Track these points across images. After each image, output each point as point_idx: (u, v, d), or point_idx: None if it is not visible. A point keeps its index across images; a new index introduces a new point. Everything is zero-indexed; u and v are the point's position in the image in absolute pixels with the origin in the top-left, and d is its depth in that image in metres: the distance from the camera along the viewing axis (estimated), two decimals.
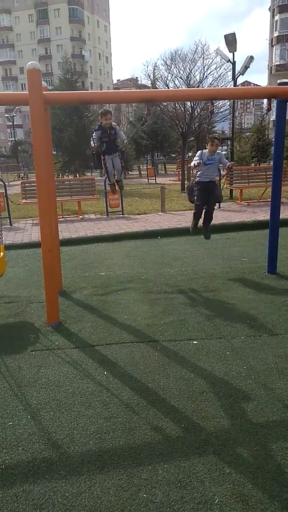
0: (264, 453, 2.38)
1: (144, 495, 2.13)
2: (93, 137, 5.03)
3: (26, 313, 4.65)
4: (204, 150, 5.69)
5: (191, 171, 23.00)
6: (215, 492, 2.12)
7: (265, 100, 4.57)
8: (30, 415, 2.82)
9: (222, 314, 4.39)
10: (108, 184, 5.75)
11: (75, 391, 3.08)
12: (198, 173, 5.76)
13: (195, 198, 5.87)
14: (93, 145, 5.00)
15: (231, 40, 12.74)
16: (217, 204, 11.60)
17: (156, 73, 23.91)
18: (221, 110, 22.02)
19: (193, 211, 6.08)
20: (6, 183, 11.74)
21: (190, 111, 17.71)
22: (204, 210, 5.94)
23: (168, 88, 18.85)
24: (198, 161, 5.52)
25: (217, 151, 5.66)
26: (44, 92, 4.17)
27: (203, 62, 18.84)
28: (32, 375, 3.33)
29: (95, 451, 2.46)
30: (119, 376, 3.26)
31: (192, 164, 5.70)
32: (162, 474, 2.27)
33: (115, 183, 5.60)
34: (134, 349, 3.71)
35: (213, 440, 2.51)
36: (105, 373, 3.32)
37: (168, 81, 19.44)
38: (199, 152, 5.75)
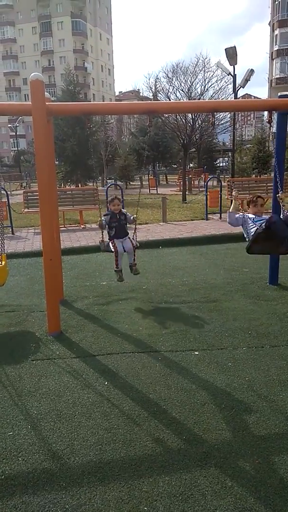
0: (266, 467, 2.36)
1: (145, 508, 2.10)
2: (102, 220, 5.03)
3: (27, 322, 4.64)
4: (244, 215, 4.49)
5: (192, 182, 23.18)
6: (217, 506, 2.10)
7: (265, 113, 4.62)
8: (30, 425, 2.80)
9: (223, 324, 4.38)
10: (115, 270, 5.15)
11: (75, 401, 3.06)
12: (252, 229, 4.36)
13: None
14: (101, 223, 5.00)
15: (231, 54, 12.94)
16: (219, 215, 11.64)
17: (158, 85, 24.26)
18: (222, 122, 22.24)
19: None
20: (9, 192, 11.79)
21: (191, 123, 17.90)
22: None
23: (170, 100, 19.06)
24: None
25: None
26: (47, 103, 4.22)
27: (204, 75, 19.12)
28: (33, 385, 3.31)
29: (96, 462, 2.44)
30: (120, 387, 3.24)
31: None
32: (163, 486, 2.24)
33: (130, 267, 5.18)
34: (135, 359, 3.69)
35: (215, 452, 2.49)
36: (106, 383, 3.30)
37: (169, 93, 19.71)
38: (239, 216, 4.54)
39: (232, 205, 4.68)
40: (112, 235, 5.08)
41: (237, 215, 4.55)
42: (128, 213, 5.22)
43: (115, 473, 2.35)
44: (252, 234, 4.27)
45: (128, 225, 5.21)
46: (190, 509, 2.08)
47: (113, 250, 5.01)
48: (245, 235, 4.55)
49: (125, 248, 5.07)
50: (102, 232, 5.14)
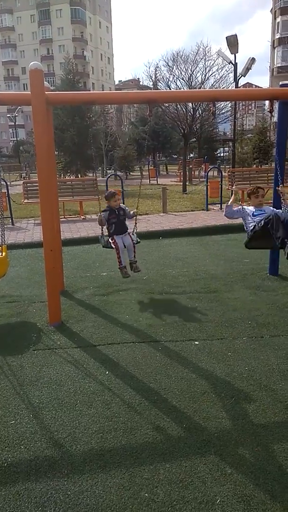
0: (265, 454, 2.39)
1: (146, 495, 2.13)
2: (102, 216, 4.92)
3: (28, 312, 4.66)
4: (244, 207, 4.57)
5: (193, 172, 23.07)
6: (217, 492, 2.13)
7: (267, 102, 4.57)
8: (32, 414, 2.83)
9: (223, 315, 4.39)
10: (119, 267, 4.99)
11: (76, 390, 3.09)
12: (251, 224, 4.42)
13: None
14: (101, 219, 4.89)
15: (232, 42, 12.78)
16: (219, 205, 11.62)
17: (158, 74, 24.01)
18: (223, 111, 22.05)
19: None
20: (8, 183, 11.75)
21: (192, 113, 17.75)
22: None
23: (170, 89, 18.89)
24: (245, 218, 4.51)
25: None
26: (46, 92, 4.18)
27: (204, 63, 18.92)
28: (34, 374, 3.33)
29: (97, 450, 2.47)
30: (120, 376, 3.27)
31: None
32: (163, 473, 2.27)
33: (130, 265, 5.06)
34: (136, 349, 3.72)
35: (214, 440, 2.52)
36: (107, 372, 3.33)
37: (169, 82, 19.52)
38: (237, 209, 4.62)
39: (232, 198, 4.71)
40: (112, 232, 5.00)
41: (235, 208, 4.59)
42: (127, 208, 5.14)
43: (116, 461, 2.38)
44: (251, 229, 4.32)
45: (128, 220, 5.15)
46: (190, 495, 2.12)
47: (113, 247, 4.92)
48: (245, 228, 4.55)
49: (125, 244, 4.96)
50: (102, 228, 5.09)
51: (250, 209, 4.51)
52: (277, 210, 4.55)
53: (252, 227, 4.29)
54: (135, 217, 5.12)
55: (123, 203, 5.75)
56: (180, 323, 4.23)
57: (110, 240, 4.98)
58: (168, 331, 4.06)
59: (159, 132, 31.23)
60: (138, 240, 5.20)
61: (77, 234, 8.71)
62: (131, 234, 5.10)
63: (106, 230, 5.09)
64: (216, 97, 5.08)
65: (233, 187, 4.91)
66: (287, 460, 2.33)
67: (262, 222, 4.11)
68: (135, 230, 5.20)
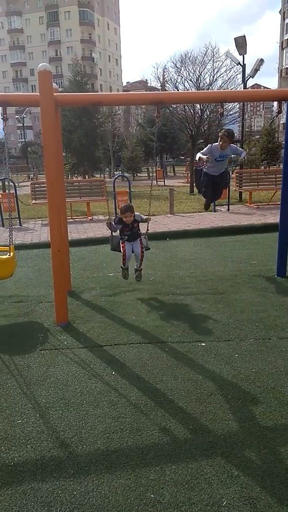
0: (272, 457, 2.37)
1: (152, 496, 2.13)
2: (113, 226, 4.85)
3: (35, 312, 4.68)
4: (214, 144, 5.30)
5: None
6: (223, 495, 2.12)
7: (275, 103, 4.55)
8: (39, 414, 2.84)
9: (230, 316, 4.38)
10: (121, 267, 5.09)
11: (83, 390, 3.10)
12: (207, 166, 5.39)
13: (203, 189, 5.71)
14: (110, 226, 4.84)
15: (241, 43, 12.73)
16: (227, 207, 11.59)
17: (166, 76, 23.99)
18: (231, 112, 21.96)
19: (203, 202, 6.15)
20: (16, 184, 11.82)
21: (200, 114, 17.70)
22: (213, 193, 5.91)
23: (178, 90, 18.86)
24: (206, 158, 5.18)
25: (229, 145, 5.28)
26: (54, 94, 4.20)
27: (213, 64, 18.81)
28: (41, 374, 3.35)
29: (103, 450, 2.47)
30: (127, 377, 3.27)
31: (197, 157, 5.35)
32: (169, 475, 2.26)
33: (134, 270, 5.14)
34: (142, 350, 3.71)
35: (221, 442, 2.51)
36: (113, 373, 3.33)
37: (177, 83, 19.44)
38: (208, 146, 5.34)
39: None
40: (124, 239, 4.96)
41: (207, 156, 5.23)
42: (140, 215, 4.98)
43: (122, 461, 2.38)
44: (207, 168, 5.40)
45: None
46: (196, 497, 2.11)
47: (121, 251, 4.93)
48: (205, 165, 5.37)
49: (134, 251, 4.97)
50: (112, 232, 5.00)
51: (216, 150, 5.26)
52: (240, 150, 5.68)
53: (205, 171, 5.44)
54: (148, 221, 5.06)
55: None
56: (187, 324, 4.22)
57: (120, 243, 4.96)
58: (174, 332, 4.05)
59: (166, 134, 31.22)
60: (148, 246, 5.15)
61: (84, 235, 8.73)
62: (143, 238, 5.02)
63: (122, 257, 5.00)
64: (223, 98, 5.07)
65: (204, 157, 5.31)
66: None
67: (205, 191, 5.67)
68: (146, 235, 5.14)
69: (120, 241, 4.97)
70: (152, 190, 5.42)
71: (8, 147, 4.39)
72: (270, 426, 2.64)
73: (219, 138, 5.23)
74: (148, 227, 5.22)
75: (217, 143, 5.28)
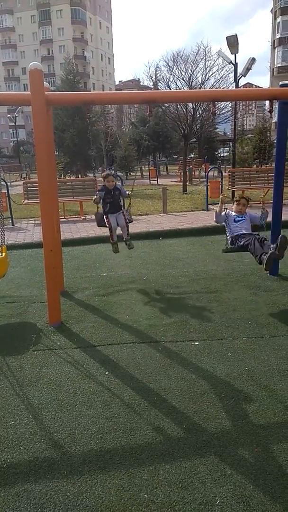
0: (265, 455, 2.38)
1: (145, 496, 2.13)
2: (97, 195, 5.28)
3: (28, 313, 4.65)
4: (227, 212, 5.04)
5: (193, 173, 23.05)
6: (217, 493, 2.12)
7: (267, 102, 4.57)
8: (32, 415, 2.82)
9: (223, 315, 4.39)
10: (111, 242, 5.55)
11: (76, 391, 3.09)
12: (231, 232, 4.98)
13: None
14: (95, 198, 5.28)
15: (233, 42, 12.75)
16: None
17: (158, 75, 24.01)
18: (223, 111, 22.02)
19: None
20: (8, 183, 11.75)
21: (192, 113, 17.74)
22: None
23: (170, 89, 18.88)
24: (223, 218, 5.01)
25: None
26: (46, 93, 4.18)
27: (205, 63, 18.89)
28: (34, 375, 3.33)
29: (96, 451, 2.46)
30: (120, 377, 3.27)
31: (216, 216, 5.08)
32: (163, 474, 2.27)
33: (124, 242, 5.53)
34: (136, 349, 3.71)
35: (214, 441, 2.51)
36: (107, 373, 3.32)
37: (170, 82, 19.47)
38: (223, 214, 5.04)
39: (219, 206, 5.04)
40: (107, 210, 5.31)
41: (222, 213, 5.04)
42: (123, 188, 5.45)
43: (115, 462, 2.37)
44: (229, 237, 4.95)
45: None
46: (189, 496, 2.11)
47: (107, 225, 5.30)
48: (226, 232, 5.04)
49: (118, 223, 5.33)
50: (98, 207, 5.44)
51: (232, 214, 5.02)
52: (254, 215, 5.10)
53: (230, 239, 4.93)
54: (129, 197, 5.41)
55: (123, 203, 5.87)
56: (180, 323, 4.23)
57: (104, 218, 5.30)
58: (168, 331, 4.05)
59: (159, 132, 31.20)
60: (131, 219, 5.57)
61: (77, 235, 8.70)
62: (125, 212, 5.41)
63: (109, 231, 5.42)
64: (216, 97, 5.07)
65: (220, 196, 5.14)
66: (287, 461, 2.33)
67: (242, 242, 4.69)
68: (129, 209, 5.55)
69: (104, 216, 5.31)
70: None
71: (0, 146, 4.36)
72: (263, 424, 2.65)
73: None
74: (130, 201, 5.62)
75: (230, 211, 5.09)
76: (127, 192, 5.41)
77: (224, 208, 5.04)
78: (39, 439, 2.59)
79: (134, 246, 5.69)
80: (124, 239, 5.50)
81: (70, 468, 2.34)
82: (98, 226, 5.65)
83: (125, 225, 5.38)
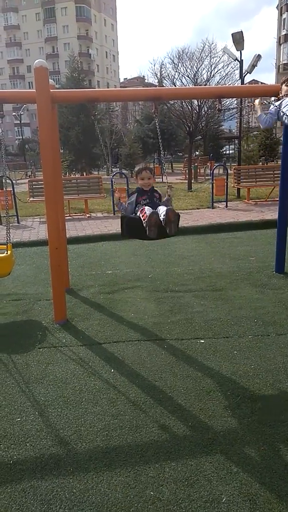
0: (271, 453, 2.37)
1: (151, 493, 2.13)
2: (123, 205, 3.79)
3: (34, 310, 4.67)
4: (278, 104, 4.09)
5: (198, 170, 22.97)
6: (222, 491, 2.12)
7: (273, 98, 4.52)
8: (38, 412, 2.83)
9: (229, 313, 4.38)
10: (148, 224, 3.36)
11: (82, 388, 3.09)
12: None
13: None
14: (119, 205, 3.83)
15: (238, 39, 12.67)
16: (225, 203, 11.59)
17: (163, 72, 23.90)
18: (229, 108, 21.90)
19: None
20: (14, 181, 11.78)
21: (197, 110, 17.66)
22: None
23: (175, 86, 18.79)
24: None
25: None
26: (51, 90, 4.17)
27: (210, 60, 18.79)
28: (40, 372, 3.34)
29: (102, 448, 2.47)
30: (126, 374, 3.27)
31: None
32: (169, 472, 2.27)
33: (165, 222, 3.36)
34: (141, 347, 3.71)
35: (220, 439, 2.51)
36: (112, 370, 3.33)
37: (175, 79, 19.41)
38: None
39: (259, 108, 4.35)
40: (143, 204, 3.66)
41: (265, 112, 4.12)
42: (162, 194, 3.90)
43: (121, 459, 2.38)
44: None
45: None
46: (195, 494, 2.11)
47: (142, 218, 3.42)
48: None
49: (158, 208, 3.50)
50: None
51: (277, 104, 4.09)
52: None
53: None
54: (171, 200, 3.91)
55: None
56: (186, 321, 4.22)
57: (140, 212, 3.50)
58: (173, 329, 4.05)
59: (164, 130, 31.09)
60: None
61: (82, 232, 8.71)
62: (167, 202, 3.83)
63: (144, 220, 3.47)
64: (220, 93, 5.04)
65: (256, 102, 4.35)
66: None
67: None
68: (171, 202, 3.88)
69: (136, 208, 3.65)
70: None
71: (5, 145, 4.36)
72: (269, 422, 2.64)
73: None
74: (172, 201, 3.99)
75: None
76: (165, 198, 3.87)
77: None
78: (45, 436, 2.60)
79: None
80: (167, 209, 3.39)
81: (76, 465, 2.35)
82: (122, 235, 3.92)
83: (167, 202, 3.80)
